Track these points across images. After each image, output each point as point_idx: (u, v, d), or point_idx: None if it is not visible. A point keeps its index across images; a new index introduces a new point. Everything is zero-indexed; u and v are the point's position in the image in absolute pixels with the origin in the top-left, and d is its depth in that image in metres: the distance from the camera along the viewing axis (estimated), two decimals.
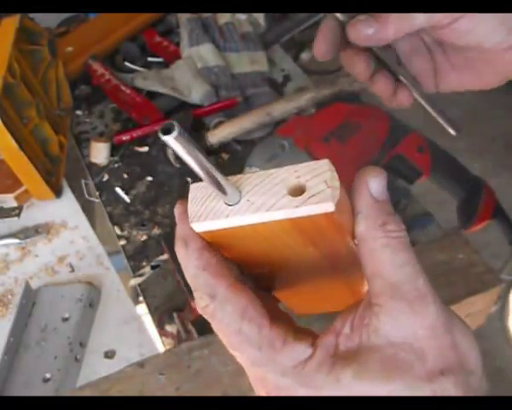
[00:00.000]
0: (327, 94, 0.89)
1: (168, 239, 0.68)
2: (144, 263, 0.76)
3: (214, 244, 0.29)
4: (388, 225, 0.27)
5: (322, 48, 0.43)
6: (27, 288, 0.72)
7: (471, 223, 0.82)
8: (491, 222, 0.83)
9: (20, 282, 0.75)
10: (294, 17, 1.16)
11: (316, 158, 0.76)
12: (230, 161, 0.89)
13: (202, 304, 0.28)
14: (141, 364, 0.58)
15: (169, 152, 0.88)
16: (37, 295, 0.72)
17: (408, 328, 0.25)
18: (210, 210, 0.27)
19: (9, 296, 0.74)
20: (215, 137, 0.87)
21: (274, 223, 0.26)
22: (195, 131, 0.88)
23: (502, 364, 1.54)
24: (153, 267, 0.75)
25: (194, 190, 0.29)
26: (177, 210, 0.30)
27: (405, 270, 0.26)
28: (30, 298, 0.72)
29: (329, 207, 0.25)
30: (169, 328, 0.69)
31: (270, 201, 0.26)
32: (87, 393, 0.54)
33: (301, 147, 0.76)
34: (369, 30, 0.39)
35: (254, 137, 0.89)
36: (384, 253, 0.26)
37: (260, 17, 1.08)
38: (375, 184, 0.28)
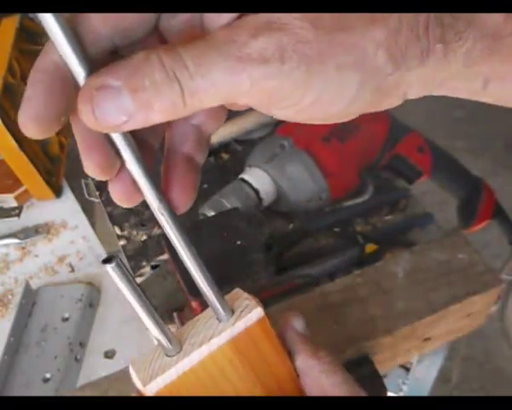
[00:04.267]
0: None
1: (168, 239, 0.68)
2: (144, 263, 0.76)
3: None
4: (319, 352, 0.32)
5: (27, 114, 0.22)
6: (27, 288, 0.72)
7: (471, 223, 0.82)
8: (491, 222, 0.83)
9: (20, 282, 0.75)
10: None
11: (316, 158, 0.76)
12: (230, 161, 0.89)
13: None
14: None
15: None
16: (37, 295, 0.72)
17: None
18: (158, 368, 0.29)
19: (9, 296, 0.74)
20: (215, 137, 0.87)
21: (218, 352, 0.29)
22: None
23: (502, 364, 1.54)
24: (153, 267, 0.75)
25: (136, 363, 0.30)
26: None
27: (344, 387, 0.30)
28: (30, 298, 0.71)
29: (259, 312, 0.30)
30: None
31: (209, 332, 0.30)
32: (87, 393, 0.54)
33: (301, 147, 0.76)
34: (121, 117, 0.21)
35: (254, 137, 0.88)
36: (323, 377, 0.31)
37: None
38: (297, 323, 0.33)
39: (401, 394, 0.72)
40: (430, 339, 0.55)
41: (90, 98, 0.21)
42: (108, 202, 0.85)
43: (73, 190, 0.87)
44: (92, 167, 0.24)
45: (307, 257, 0.72)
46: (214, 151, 0.88)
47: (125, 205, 0.26)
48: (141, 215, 0.83)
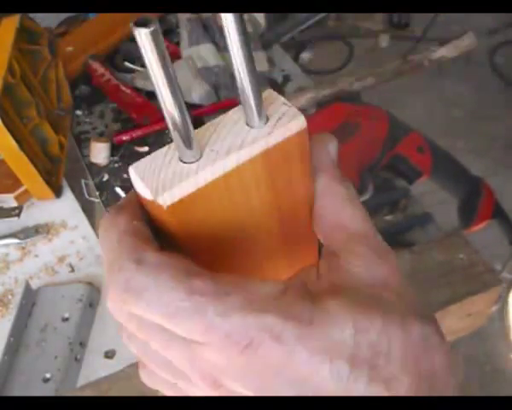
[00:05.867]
0: (327, 94, 0.89)
1: None
2: None
3: (182, 225, 0.24)
4: (346, 181, 0.28)
5: None
6: (27, 288, 0.72)
7: (471, 223, 0.82)
8: (491, 222, 0.83)
9: (20, 282, 0.75)
10: (294, 17, 1.16)
11: None
12: None
13: (123, 277, 0.22)
14: None
15: None
16: (37, 295, 0.72)
17: (379, 274, 0.24)
18: (173, 175, 0.23)
19: (9, 296, 0.74)
20: None
21: (247, 165, 0.24)
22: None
23: (502, 364, 1.54)
24: None
25: (139, 167, 0.24)
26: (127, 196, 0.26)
27: (367, 224, 0.26)
28: (30, 298, 0.71)
29: (301, 121, 0.24)
30: None
31: (237, 140, 0.24)
32: (87, 393, 0.54)
33: None
34: None
35: None
36: (346, 206, 0.26)
37: (260, 17, 1.08)
38: (332, 147, 0.28)
39: None
40: None
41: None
42: (108, 201, 0.85)
43: (73, 190, 0.87)
44: None
45: None
46: None
47: None
48: None
